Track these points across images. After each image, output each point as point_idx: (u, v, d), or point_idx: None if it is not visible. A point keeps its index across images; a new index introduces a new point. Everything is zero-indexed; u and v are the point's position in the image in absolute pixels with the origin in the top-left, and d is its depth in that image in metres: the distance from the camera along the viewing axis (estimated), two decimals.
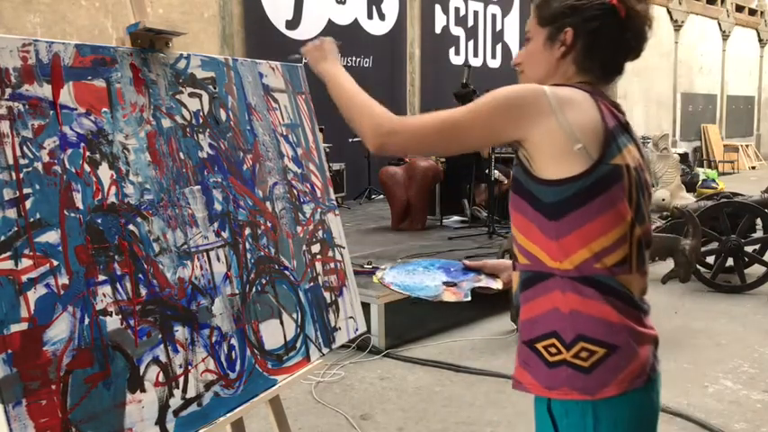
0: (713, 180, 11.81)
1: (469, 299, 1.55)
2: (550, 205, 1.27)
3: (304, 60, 1.70)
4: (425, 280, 1.61)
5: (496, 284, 1.59)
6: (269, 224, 1.90)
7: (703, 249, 5.67)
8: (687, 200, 8.20)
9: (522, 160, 1.31)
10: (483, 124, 1.29)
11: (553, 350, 1.30)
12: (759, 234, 6.22)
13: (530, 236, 1.31)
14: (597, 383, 1.27)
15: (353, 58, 9.65)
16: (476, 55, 11.86)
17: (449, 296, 1.55)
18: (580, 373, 1.28)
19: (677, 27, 17.74)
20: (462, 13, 11.55)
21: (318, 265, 2.07)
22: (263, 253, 1.86)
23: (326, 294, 2.07)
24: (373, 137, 1.35)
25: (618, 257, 1.28)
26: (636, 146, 1.35)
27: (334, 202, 2.24)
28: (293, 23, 8.87)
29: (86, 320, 1.38)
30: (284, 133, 2.06)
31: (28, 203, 1.33)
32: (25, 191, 1.33)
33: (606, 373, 1.27)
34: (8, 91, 1.35)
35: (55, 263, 1.35)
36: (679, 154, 10.69)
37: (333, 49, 1.63)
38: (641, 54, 1.40)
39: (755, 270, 5.78)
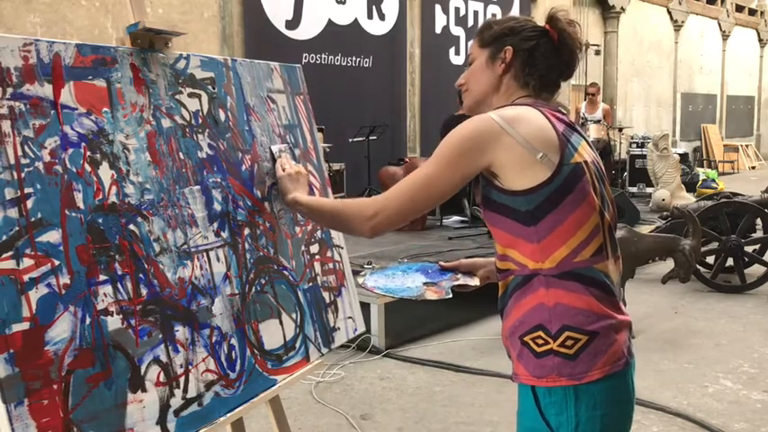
0: (713, 180, 11.81)
1: (451, 296, 1.63)
2: (526, 213, 1.39)
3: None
4: (406, 282, 1.68)
5: (474, 282, 1.69)
6: (268, 224, 1.91)
7: (703, 249, 5.68)
8: (687, 200, 8.20)
9: (490, 179, 1.43)
10: (452, 170, 1.42)
11: (540, 341, 1.41)
12: (759, 234, 6.23)
13: (512, 245, 1.43)
14: (582, 369, 1.38)
15: (353, 58, 9.65)
16: None
17: (431, 294, 1.63)
18: (567, 360, 1.39)
19: (677, 27, 17.74)
20: (462, 13, 11.54)
21: (317, 266, 2.07)
22: (262, 253, 1.86)
23: (325, 294, 2.07)
24: (362, 228, 1.50)
25: (594, 247, 1.41)
26: (586, 141, 1.49)
27: None
28: (293, 23, 8.87)
29: (88, 320, 1.38)
30: (282, 134, 2.06)
31: (29, 203, 1.33)
32: (26, 190, 1.33)
33: (589, 358, 1.39)
34: (9, 90, 1.35)
35: (56, 262, 1.35)
36: (679, 154, 10.68)
37: (305, 182, 1.84)
38: (573, 74, 1.57)
39: (755, 270, 5.78)
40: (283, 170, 1.86)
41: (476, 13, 11.83)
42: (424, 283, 1.67)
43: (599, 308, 1.40)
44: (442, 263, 1.76)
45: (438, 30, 11.10)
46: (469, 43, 1.58)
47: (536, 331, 1.41)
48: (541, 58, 1.50)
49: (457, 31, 11.47)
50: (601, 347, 1.39)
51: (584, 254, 1.40)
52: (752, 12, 21.20)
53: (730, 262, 5.80)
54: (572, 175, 1.39)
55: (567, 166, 1.39)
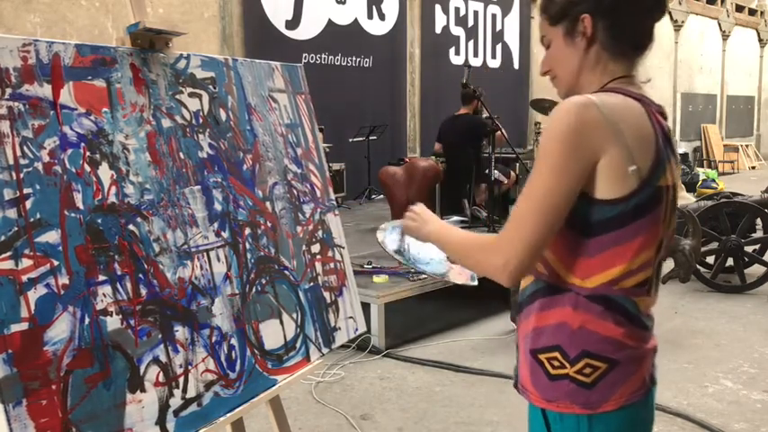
0: (713, 180, 11.81)
1: (476, 283, 1.52)
2: (587, 223, 1.22)
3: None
4: (431, 252, 1.53)
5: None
6: (269, 224, 1.90)
7: (703, 249, 5.67)
8: (687, 200, 8.19)
9: None
10: (566, 176, 1.18)
11: (556, 363, 1.28)
12: (759, 234, 6.22)
13: (555, 249, 1.26)
14: (598, 398, 1.26)
15: (353, 58, 9.65)
16: (476, 55, 11.86)
17: (455, 276, 1.52)
18: (582, 389, 1.27)
19: (677, 27, 17.74)
20: (462, 13, 11.55)
21: (318, 265, 2.07)
22: (262, 253, 1.86)
23: (326, 294, 2.07)
24: (500, 279, 1.26)
25: (639, 280, 1.26)
26: (675, 158, 1.29)
27: (334, 202, 2.24)
28: (293, 23, 8.87)
29: (87, 320, 1.38)
30: (284, 133, 2.06)
31: (28, 203, 1.33)
32: (25, 191, 1.33)
33: (607, 387, 1.27)
34: (8, 91, 1.34)
35: (55, 263, 1.35)
36: (679, 154, 10.68)
37: (426, 213, 1.53)
38: (666, 8, 1.32)
39: (755, 270, 5.78)
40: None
41: (476, 13, 11.83)
42: (448, 258, 1.51)
43: (625, 337, 1.27)
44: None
45: (438, 30, 11.11)
46: (536, 22, 1.42)
47: (553, 351, 1.28)
48: (626, 13, 1.25)
49: (457, 31, 11.47)
50: (620, 377, 1.27)
51: (625, 283, 1.25)
52: (752, 12, 21.19)
53: (730, 262, 5.80)
54: (651, 198, 1.21)
55: (651, 187, 1.21)
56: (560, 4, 1.29)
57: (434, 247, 1.53)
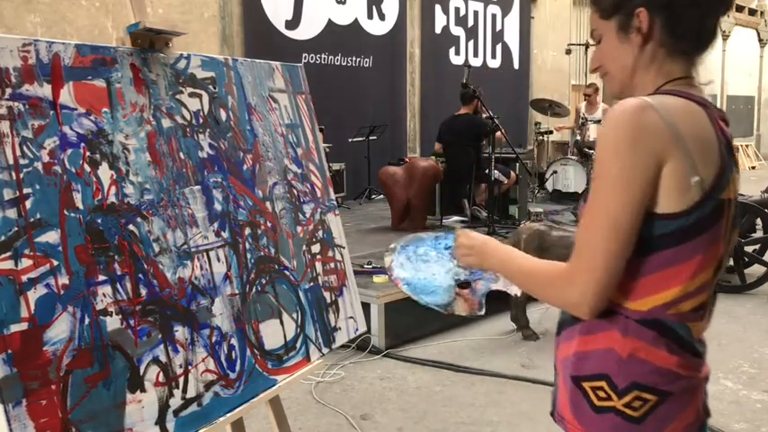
0: None
1: (483, 312, 1.45)
2: (643, 240, 1.10)
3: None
4: (438, 274, 1.46)
5: (515, 290, 1.44)
6: (269, 224, 1.90)
7: None
8: None
9: None
10: (632, 189, 1.08)
11: (602, 394, 1.18)
12: (759, 234, 6.22)
13: None
14: None
15: (353, 58, 9.65)
16: (476, 55, 11.86)
17: (460, 307, 1.46)
18: (630, 423, 1.16)
19: None
20: (462, 13, 11.54)
21: (318, 265, 2.07)
22: (263, 253, 1.86)
23: (326, 294, 2.07)
24: (578, 313, 1.16)
25: (695, 303, 1.15)
26: (737, 167, 1.18)
27: (334, 202, 2.24)
28: (293, 23, 8.87)
29: (86, 320, 1.38)
30: (284, 133, 2.06)
31: (28, 203, 1.33)
32: (25, 191, 1.33)
33: (657, 422, 1.16)
34: (8, 91, 1.34)
35: (55, 263, 1.35)
36: None
37: (479, 242, 1.38)
38: (732, 3, 1.20)
39: (755, 270, 5.77)
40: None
41: (476, 13, 11.83)
42: (457, 284, 1.46)
43: (679, 366, 1.16)
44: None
45: (438, 30, 11.10)
46: (587, 15, 1.28)
47: (599, 380, 1.17)
48: (687, 6, 1.14)
49: (457, 31, 11.47)
50: (672, 411, 1.16)
51: (682, 307, 1.14)
52: (752, 12, 21.19)
53: (730, 262, 5.80)
54: (713, 212, 1.10)
55: (713, 200, 1.10)
56: None
57: (440, 273, 1.46)
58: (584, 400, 1.20)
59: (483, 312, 1.45)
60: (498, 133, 6.30)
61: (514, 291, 1.45)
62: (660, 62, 1.18)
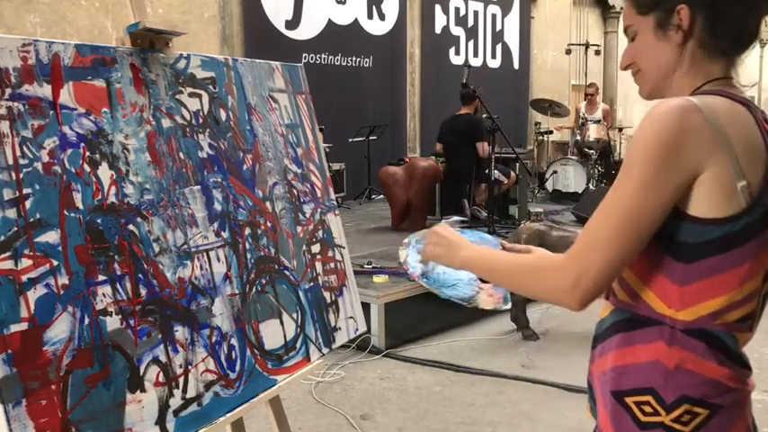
0: None
1: (508, 306, 1.36)
2: (687, 246, 1.06)
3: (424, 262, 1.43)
4: (461, 272, 1.37)
5: None
6: (269, 224, 1.90)
7: None
8: None
9: None
10: (659, 188, 1.03)
11: (648, 409, 1.12)
12: None
13: (643, 275, 1.11)
14: None
15: (353, 58, 9.65)
16: (476, 55, 11.86)
17: (485, 301, 1.36)
18: None
19: None
20: (462, 13, 11.54)
21: (318, 265, 2.07)
22: (263, 253, 1.86)
23: (326, 294, 2.07)
24: (568, 299, 1.10)
25: (743, 313, 1.11)
26: None
27: (334, 202, 2.24)
28: (293, 23, 8.87)
29: (86, 320, 1.38)
30: (284, 133, 2.06)
31: (28, 203, 1.33)
32: (25, 191, 1.33)
33: None
34: (8, 91, 1.34)
35: (55, 263, 1.35)
36: None
37: (451, 236, 1.33)
38: None
39: None
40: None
41: (476, 13, 11.83)
42: (480, 279, 1.39)
43: (729, 378, 1.11)
44: (504, 243, 1.44)
45: (438, 30, 11.11)
46: (619, 10, 1.21)
47: (645, 395, 1.11)
48: (731, 4, 1.09)
49: (457, 31, 11.47)
50: (723, 426, 1.10)
51: (729, 317, 1.09)
52: None
53: None
54: (761, 220, 1.05)
55: (762, 206, 1.05)
56: None
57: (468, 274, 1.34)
58: (627, 417, 1.13)
59: (509, 306, 1.37)
60: (484, 143, 6.33)
61: None
62: (699, 63, 1.14)
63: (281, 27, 8.73)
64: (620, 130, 11.41)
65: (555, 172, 9.10)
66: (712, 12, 1.10)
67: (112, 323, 1.43)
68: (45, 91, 1.41)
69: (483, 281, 1.39)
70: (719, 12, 1.10)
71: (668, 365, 1.10)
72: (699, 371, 1.09)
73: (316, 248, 2.07)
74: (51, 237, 1.35)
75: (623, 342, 1.15)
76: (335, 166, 8.35)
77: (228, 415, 1.64)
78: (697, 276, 1.07)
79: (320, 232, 2.11)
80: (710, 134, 1.03)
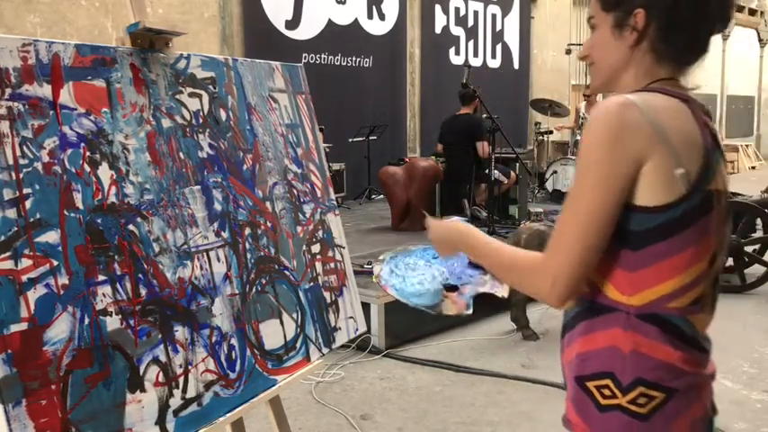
0: None
1: (471, 311, 1.48)
2: (633, 233, 1.12)
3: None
4: (425, 279, 1.53)
5: (502, 292, 1.49)
6: (269, 224, 1.90)
7: None
8: None
9: None
10: (610, 185, 1.10)
11: (607, 392, 1.17)
12: (759, 234, 6.22)
13: (599, 265, 1.16)
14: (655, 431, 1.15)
15: (353, 58, 9.64)
16: (476, 55, 11.86)
17: (449, 307, 1.49)
18: (636, 421, 1.15)
19: None
20: (462, 13, 11.54)
21: (318, 265, 2.07)
22: (263, 253, 1.86)
23: (326, 294, 2.07)
24: (548, 299, 1.17)
25: (693, 297, 1.15)
26: (724, 160, 1.19)
27: (334, 202, 2.24)
28: (293, 23, 8.87)
29: (86, 320, 1.38)
30: (284, 133, 2.06)
31: (28, 203, 1.33)
32: (25, 191, 1.33)
33: (665, 419, 1.15)
34: (8, 91, 1.35)
35: (55, 263, 1.35)
36: None
37: (448, 231, 1.40)
38: (730, 21, 1.20)
39: (755, 270, 5.77)
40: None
41: (476, 13, 11.83)
42: (445, 287, 1.50)
43: (683, 362, 1.15)
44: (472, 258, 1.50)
45: (438, 30, 11.10)
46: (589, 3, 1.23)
47: (604, 379, 1.17)
48: (685, 16, 1.15)
49: (457, 31, 11.47)
50: (680, 408, 1.15)
51: (680, 300, 1.14)
52: (752, 12, 21.19)
53: (730, 262, 5.79)
54: (701, 204, 1.11)
55: (700, 192, 1.11)
56: None
57: (428, 279, 1.49)
58: (589, 401, 1.19)
59: (471, 311, 1.48)
60: (484, 143, 6.33)
61: (501, 293, 1.48)
62: (648, 65, 1.20)
63: (281, 27, 8.72)
64: None
65: (555, 172, 9.10)
66: (667, 20, 1.15)
67: (112, 323, 1.43)
68: (45, 91, 1.41)
69: (447, 289, 1.46)
70: (673, 21, 1.15)
71: (624, 350, 1.15)
72: (653, 355, 1.14)
73: (316, 248, 2.07)
74: (51, 237, 1.35)
75: (585, 330, 1.20)
76: (335, 166, 8.35)
77: (228, 415, 1.64)
78: (644, 263, 1.13)
79: (320, 232, 2.11)
80: (648, 128, 1.09)
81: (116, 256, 1.47)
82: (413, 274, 1.55)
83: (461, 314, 1.48)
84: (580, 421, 1.21)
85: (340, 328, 2.09)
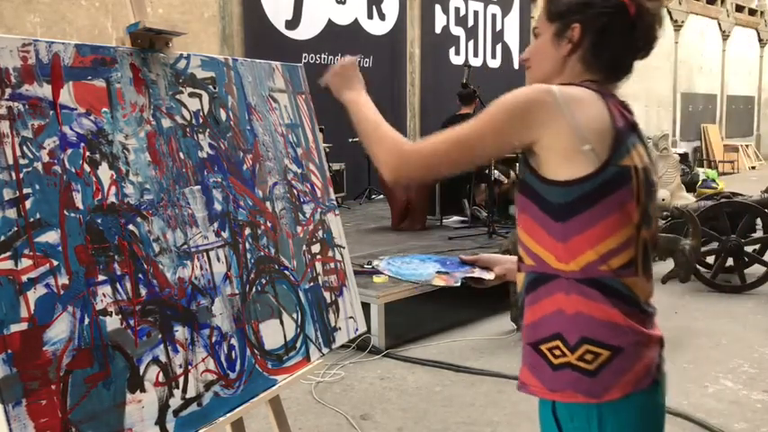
0: (713, 180, 11.81)
1: (459, 284, 1.60)
2: (558, 206, 1.26)
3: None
4: (420, 269, 1.65)
5: (489, 276, 1.63)
6: (269, 224, 1.90)
7: (703, 249, 5.67)
8: (687, 200, 8.20)
9: (530, 161, 1.29)
10: (494, 134, 1.28)
11: (557, 352, 1.28)
12: (759, 234, 6.22)
13: (535, 237, 1.30)
14: (602, 386, 1.26)
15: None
16: (476, 55, 11.86)
17: (438, 281, 1.61)
18: (585, 376, 1.26)
19: (677, 27, 17.73)
20: (462, 13, 11.54)
21: (318, 265, 2.07)
22: (263, 253, 1.86)
23: (326, 294, 2.07)
24: (388, 168, 1.35)
25: (624, 260, 1.27)
26: (644, 146, 1.34)
27: (334, 202, 2.24)
28: (293, 23, 8.87)
29: (86, 320, 1.38)
30: (284, 133, 2.06)
31: (28, 203, 1.33)
32: (25, 191, 1.33)
33: (611, 375, 1.26)
34: (8, 91, 1.34)
35: (55, 263, 1.35)
36: (679, 154, 10.69)
37: (354, 75, 1.62)
38: (650, 54, 1.39)
39: (755, 270, 5.78)
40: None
41: (476, 13, 11.83)
42: (437, 272, 1.63)
43: (624, 321, 1.27)
44: (462, 256, 1.69)
45: (438, 30, 11.10)
46: (536, 13, 1.49)
47: (553, 341, 1.29)
48: (613, 39, 1.32)
49: (457, 31, 11.47)
50: (625, 365, 1.26)
51: (612, 263, 1.26)
52: (752, 12, 21.19)
53: (730, 262, 5.80)
54: (616, 178, 1.25)
55: (614, 167, 1.25)
56: (562, 6, 1.35)
57: (422, 266, 1.64)
58: (543, 362, 1.30)
59: (459, 284, 1.60)
60: None
61: (488, 276, 1.62)
62: (576, 73, 1.35)
63: (281, 27, 8.72)
64: None
65: None
66: (599, 38, 1.33)
67: (112, 323, 1.43)
68: (45, 91, 1.41)
69: (439, 273, 1.63)
70: (604, 40, 1.33)
71: (568, 312, 1.28)
72: (594, 314, 1.27)
73: (316, 248, 2.07)
74: (51, 237, 1.35)
75: (534, 300, 1.33)
76: (335, 166, 8.35)
77: (228, 415, 1.64)
78: (573, 232, 1.26)
79: (320, 232, 2.11)
80: (554, 106, 1.24)
81: (116, 256, 1.47)
82: (408, 266, 1.67)
83: (450, 285, 1.60)
84: (535, 381, 1.32)
85: (340, 328, 2.09)
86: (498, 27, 12.40)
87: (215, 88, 1.83)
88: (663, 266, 5.32)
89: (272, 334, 1.83)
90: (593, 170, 1.23)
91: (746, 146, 19.37)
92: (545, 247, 1.29)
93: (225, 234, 1.75)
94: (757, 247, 6.02)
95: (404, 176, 1.36)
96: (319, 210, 2.13)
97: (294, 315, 1.92)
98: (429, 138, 1.33)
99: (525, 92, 1.27)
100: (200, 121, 1.76)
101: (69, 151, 1.43)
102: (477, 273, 1.63)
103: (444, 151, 1.30)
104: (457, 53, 11.47)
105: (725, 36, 19.95)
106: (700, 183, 11.64)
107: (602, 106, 1.27)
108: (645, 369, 1.28)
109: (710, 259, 5.99)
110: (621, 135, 1.27)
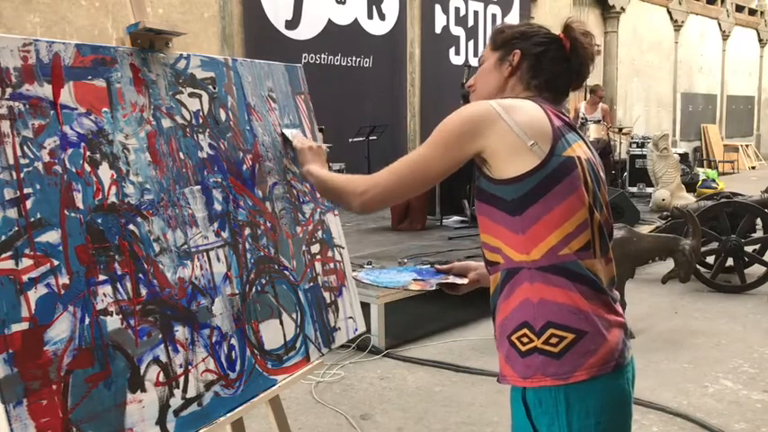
0: (713, 180, 11.80)
1: (434, 288, 1.70)
2: (513, 202, 1.37)
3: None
4: (396, 277, 1.75)
5: (462, 281, 1.73)
6: (269, 224, 1.90)
7: (703, 249, 5.67)
8: (687, 200, 8.20)
9: (483, 169, 1.41)
10: (445, 152, 1.41)
11: (525, 339, 1.37)
12: (759, 234, 6.22)
13: (498, 235, 1.41)
14: (568, 368, 1.34)
15: (353, 58, 9.65)
16: (476, 55, 11.86)
17: (414, 286, 1.70)
18: (551, 359, 1.35)
19: (677, 27, 17.74)
20: (462, 13, 11.55)
21: (318, 266, 2.07)
22: (262, 253, 1.86)
23: (326, 294, 2.07)
24: (353, 204, 1.51)
25: (582, 242, 1.37)
26: (585, 143, 1.47)
27: None
28: (293, 23, 8.87)
29: (87, 320, 1.38)
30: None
31: (28, 203, 1.33)
32: (26, 191, 1.33)
33: (576, 357, 1.34)
34: (8, 91, 1.35)
35: (55, 262, 1.35)
36: (679, 154, 10.67)
37: (323, 155, 1.87)
38: (584, 81, 1.57)
39: (755, 270, 5.78)
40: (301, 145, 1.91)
41: (476, 13, 11.83)
42: (414, 279, 1.72)
43: (587, 305, 1.36)
44: (437, 266, 1.79)
45: (438, 30, 11.11)
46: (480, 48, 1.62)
47: (521, 329, 1.38)
48: (549, 64, 1.50)
49: (457, 31, 11.47)
50: (589, 347, 1.34)
51: (571, 246, 1.36)
52: (752, 12, 21.19)
53: (730, 262, 5.80)
54: (562, 167, 1.37)
55: (558, 157, 1.37)
56: (505, 36, 1.54)
57: (399, 275, 1.76)
58: (514, 352, 1.40)
59: (434, 288, 1.70)
60: None
61: (461, 281, 1.73)
62: (517, 93, 1.51)
63: (281, 27, 8.72)
64: (620, 130, 11.40)
65: None
66: (536, 62, 1.51)
67: (113, 323, 1.43)
68: (45, 91, 1.41)
69: (416, 280, 1.74)
70: (541, 65, 1.50)
71: (533, 300, 1.37)
72: (556, 299, 1.36)
73: (315, 248, 2.07)
74: (52, 236, 1.36)
75: (506, 295, 1.42)
76: (335, 166, 8.34)
77: (228, 415, 1.64)
78: (529, 223, 1.36)
79: (320, 232, 2.11)
80: (495, 117, 1.38)
81: (116, 256, 1.47)
82: (386, 275, 1.78)
83: (425, 290, 1.71)
84: (510, 371, 1.41)
85: (339, 328, 2.09)
86: None
87: (215, 88, 1.84)
88: (663, 266, 5.32)
89: (272, 334, 1.84)
90: (539, 162, 1.35)
91: (746, 146, 19.37)
92: (506, 242, 1.39)
93: (225, 234, 1.75)
94: (757, 247, 6.02)
95: (370, 204, 1.49)
96: (319, 210, 2.13)
97: (294, 315, 1.93)
98: (384, 169, 1.48)
99: (467, 109, 1.41)
100: (200, 121, 1.77)
101: (70, 151, 1.43)
102: (451, 279, 1.73)
103: (401, 174, 1.45)
104: (457, 53, 11.47)
105: (725, 36, 19.96)
106: (700, 183, 11.64)
107: (539, 109, 1.41)
108: (609, 352, 1.36)
109: (710, 259, 5.99)
110: (560, 131, 1.40)
